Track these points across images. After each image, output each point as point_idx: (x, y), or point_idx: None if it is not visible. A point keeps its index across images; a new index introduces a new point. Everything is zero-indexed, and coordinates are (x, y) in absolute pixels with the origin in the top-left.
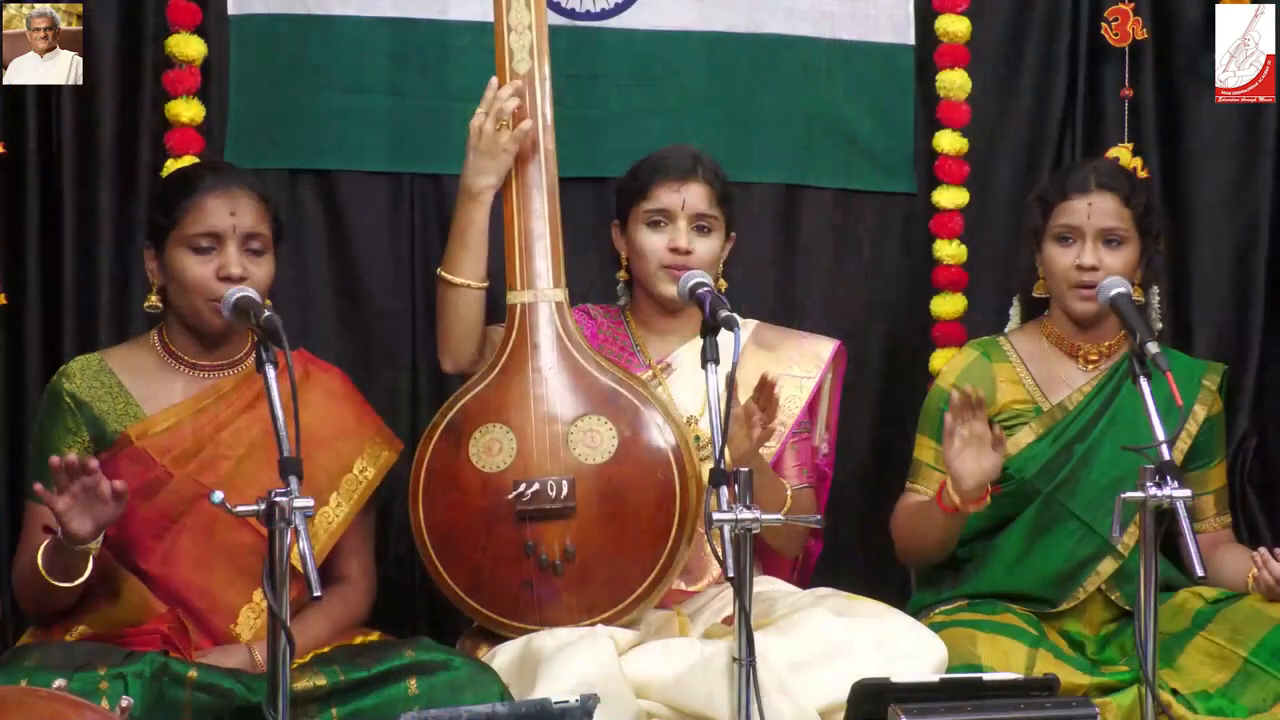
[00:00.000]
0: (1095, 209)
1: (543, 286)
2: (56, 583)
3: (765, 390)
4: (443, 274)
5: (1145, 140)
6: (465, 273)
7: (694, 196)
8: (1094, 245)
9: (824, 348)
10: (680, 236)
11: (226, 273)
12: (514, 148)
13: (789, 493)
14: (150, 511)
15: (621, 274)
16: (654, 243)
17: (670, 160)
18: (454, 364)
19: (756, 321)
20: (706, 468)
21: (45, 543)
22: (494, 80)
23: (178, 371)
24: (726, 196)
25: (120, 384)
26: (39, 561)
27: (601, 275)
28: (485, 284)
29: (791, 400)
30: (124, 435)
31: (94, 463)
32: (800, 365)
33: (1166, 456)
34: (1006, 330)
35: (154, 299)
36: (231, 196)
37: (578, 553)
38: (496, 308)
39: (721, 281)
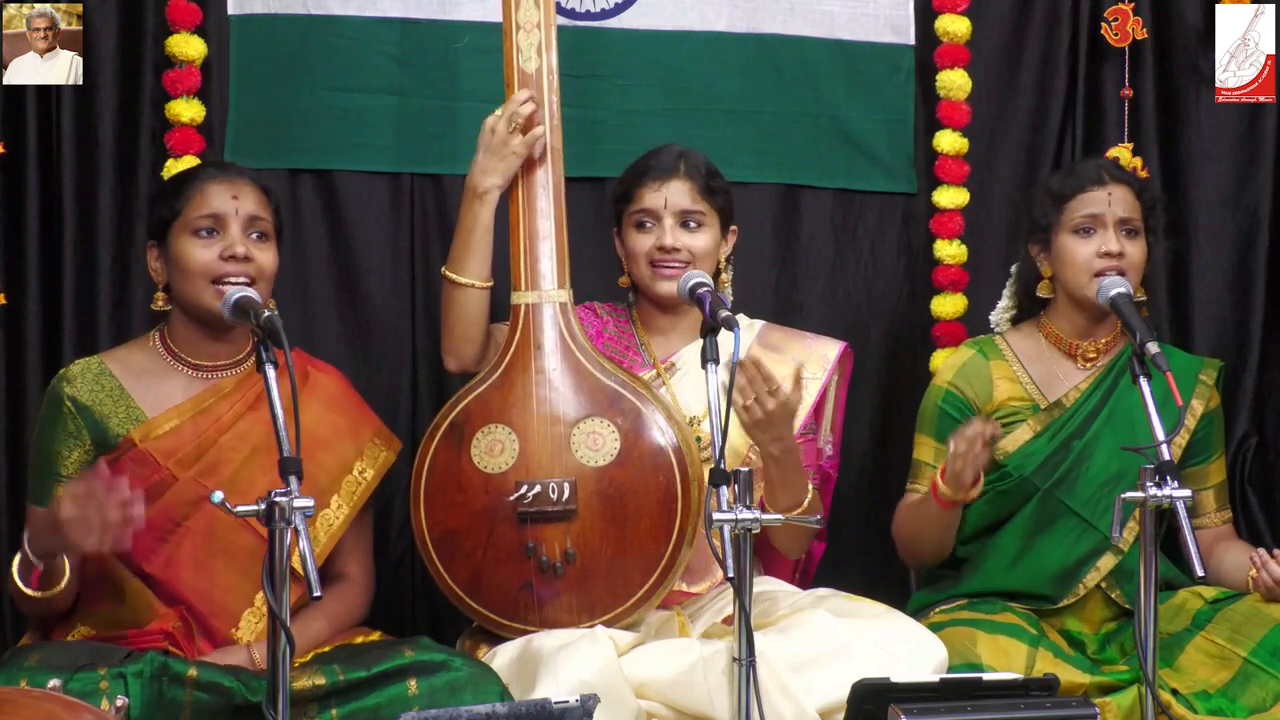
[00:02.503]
0: (1115, 198)
1: (547, 287)
2: (34, 593)
3: (796, 382)
4: (447, 273)
5: (1145, 140)
6: (470, 272)
7: (676, 194)
8: (1116, 233)
9: (830, 349)
10: (665, 235)
11: (231, 252)
12: (524, 151)
13: (810, 489)
14: (154, 514)
15: (623, 279)
16: (642, 243)
17: (653, 161)
18: (458, 363)
19: (763, 322)
20: (708, 468)
21: (17, 557)
22: (522, 94)
23: (179, 372)
24: (713, 190)
25: (121, 386)
26: (14, 573)
27: (602, 275)
28: (489, 283)
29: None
30: (127, 438)
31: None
32: (807, 367)
33: (1166, 456)
34: (993, 317)
35: (160, 299)
36: (233, 183)
37: (578, 555)
38: (501, 306)
39: (724, 277)
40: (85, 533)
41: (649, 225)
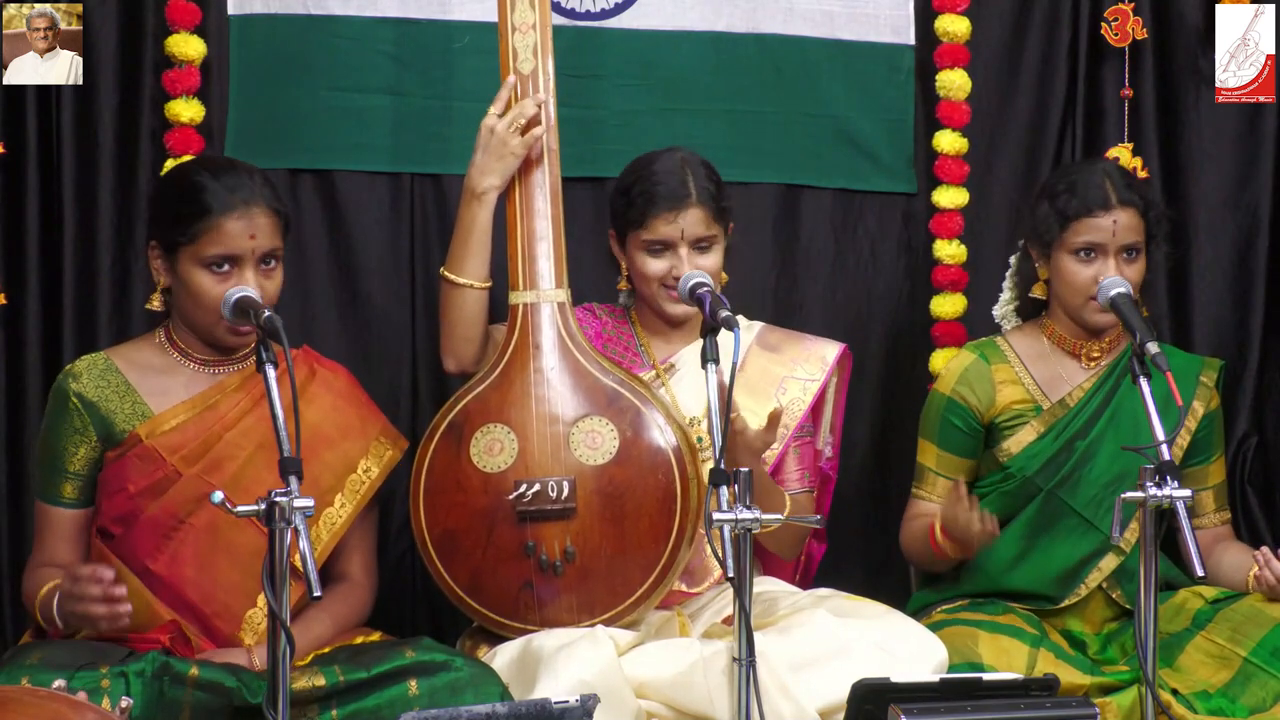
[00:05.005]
0: (1120, 226)
1: (545, 287)
2: (56, 629)
3: (771, 423)
4: (446, 273)
5: (1145, 140)
6: (468, 272)
7: (691, 223)
8: (1116, 261)
9: (829, 351)
10: (682, 264)
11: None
12: (523, 152)
13: (787, 501)
14: (158, 511)
15: (622, 284)
16: (655, 268)
17: (660, 187)
18: (457, 364)
19: (762, 324)
20: (708, 468)
21: (44, 593)
22: (511, 79)
23: (185, 367)
24: (723, 210)
25: (127, 382)
26: (38, 613)
27: (602, 275)
28: (488, 284)
29: (795, 403)
30: (133, 434)
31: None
32: (805, 368)
33: (1166, 456)
34: (997, 311)
35: (157, 301)
36: (250, 217)
37: (578, 553)
38: (499, 306)
39: (723, 275)
40: (83, 622)
41: (662, 252)
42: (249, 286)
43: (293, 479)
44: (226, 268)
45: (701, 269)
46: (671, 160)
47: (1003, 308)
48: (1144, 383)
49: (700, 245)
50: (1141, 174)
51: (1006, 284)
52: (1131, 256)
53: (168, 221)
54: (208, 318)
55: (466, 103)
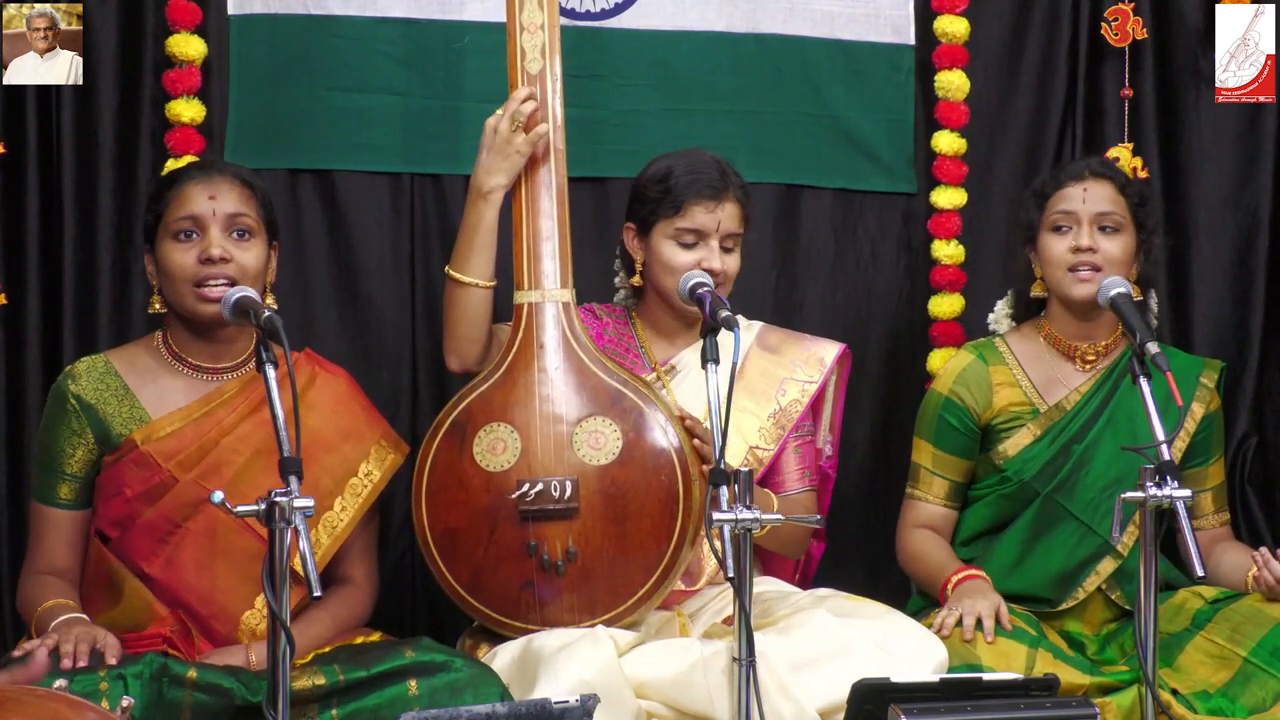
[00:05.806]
0: (1090, 194)
1: (549, 287)
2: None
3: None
4: (451, 272)
5: (1145, 140)
6: (473, 271)
7: (728, 217)
8: (1090, 230)
9: (828, 351)
10: (714, 258)
11: (207, 255)
12: (527, 150)
13: (775, 503)
14: (154, 516)
15: (635, 279)
16: (685, 260)
17: (701, 176)
18: (460, 363)
19: (761, 324)
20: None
21: (40, 612)
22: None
23: (181, 374)
24: (749, 214)
25: (125, 386)
26: (34, 626)
27: (603, 276)
28: (493, 283)
29: (794, 403)
30: (129, 440)
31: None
32: (804, 368)
33: (1166, 456)
34: (990, 321)
35: (156, 302)
36: (211, 182)
37: (580, 553)
38: (503, 306)
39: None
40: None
41: (693, 243)
42: (214, 249)
43: (292, 479)
44: (195, 235)
45: (727, 271)
46: (706, 155)
47: (997, 313)
48: (1144, 383)
49: (727, 244)
50: (1142, 174)
51: (1008, 293)
52: (1110, 231)
53: (149, 211)
54: (179, 289)
55: (469, 103)
